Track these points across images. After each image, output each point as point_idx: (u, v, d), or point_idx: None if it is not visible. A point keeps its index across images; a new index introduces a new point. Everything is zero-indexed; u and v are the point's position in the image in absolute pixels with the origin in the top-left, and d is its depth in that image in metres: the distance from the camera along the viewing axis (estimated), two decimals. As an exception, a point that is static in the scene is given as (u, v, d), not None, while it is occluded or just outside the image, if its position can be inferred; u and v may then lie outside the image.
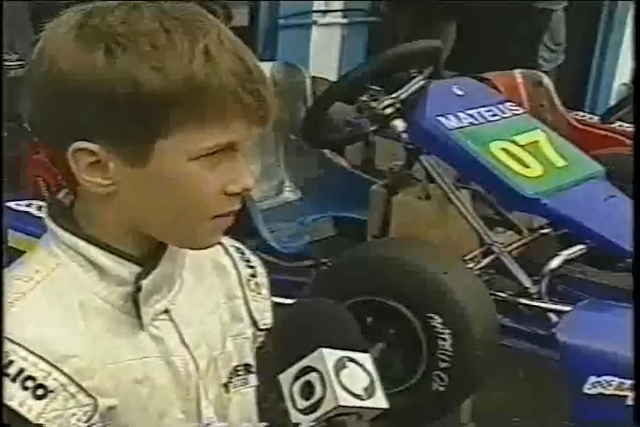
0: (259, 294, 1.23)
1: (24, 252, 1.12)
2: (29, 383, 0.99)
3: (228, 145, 1.02)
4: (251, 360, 1.21)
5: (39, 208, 2.86)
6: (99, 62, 0.98)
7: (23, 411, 0.99)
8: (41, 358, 1.00)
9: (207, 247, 1.10)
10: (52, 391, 1.00)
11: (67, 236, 1.07)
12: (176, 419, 1.10)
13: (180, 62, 0.98)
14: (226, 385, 1.17)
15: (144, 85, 0.97)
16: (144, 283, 1.05)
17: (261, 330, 1.22)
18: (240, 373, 1.19)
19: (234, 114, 1.00)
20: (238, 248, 1.25)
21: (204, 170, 1.02)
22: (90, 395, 1.02)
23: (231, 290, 1.20)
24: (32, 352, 1.00)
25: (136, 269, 1.07)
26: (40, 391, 1.00)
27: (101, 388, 1.03)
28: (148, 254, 1.08)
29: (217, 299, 1.18)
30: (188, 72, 0.98)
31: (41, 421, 0.99)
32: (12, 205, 2.88)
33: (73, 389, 1.01)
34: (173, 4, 1.03)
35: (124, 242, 1.07)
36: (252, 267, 1.24)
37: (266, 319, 1.23)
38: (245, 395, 1.19)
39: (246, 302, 1.21)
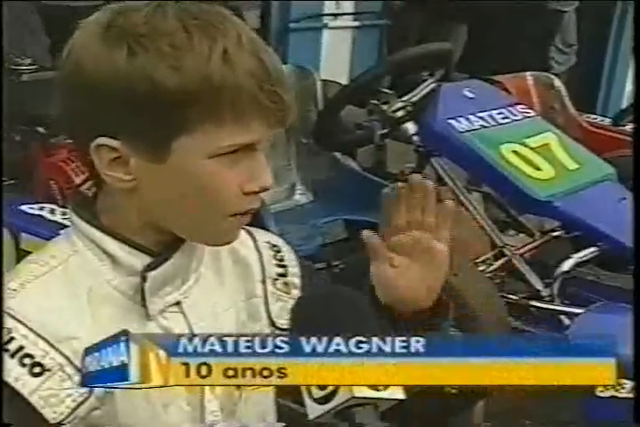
0: (286, 293, 1.22)
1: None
2: (27, 360, 1.02)
3: (246, 145, 1.03)
4: None
5: (52, 211, 2.87)
6: (120, 61, 1.00)
7: (18, 386, 1.01)
8: (41, 337, 1.03)
9: (224, 244, 1.11)
10: (48, 370, 1.02)
11: (84, 225, 1.09)
12: (181, 410, 1.11)
13: (197, 62, 0.99)
14: None
15: (162, 84, 0.99)
16: (151, 274, 1.07)
17: (282, 330, 1.20)
18: None
19: (252, 115, 1.01)
20: (274, 246, 1.25)
21: (223, 168, 1.03)
22: None
23: (251, 288, 1.20)
24: (33, 331, 1.02)
25: (149, 260, 1.08)
26: (37, 369, 1.02)
27: None
28: (165, 248, 1.09)
29: (234, 296, 1.18)
30: (205, 72, 0.99)
31: (34, 397, 1.01)
32: (24, 208, 2.89)
33: (70, 370, 1.03)
34: (196, 4, 1.04)
35: (143, 235, 1.08)
36: (283, 266, 1.24)
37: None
38: (263, 394, 1.19)
39: (266, 302, 1.20)
